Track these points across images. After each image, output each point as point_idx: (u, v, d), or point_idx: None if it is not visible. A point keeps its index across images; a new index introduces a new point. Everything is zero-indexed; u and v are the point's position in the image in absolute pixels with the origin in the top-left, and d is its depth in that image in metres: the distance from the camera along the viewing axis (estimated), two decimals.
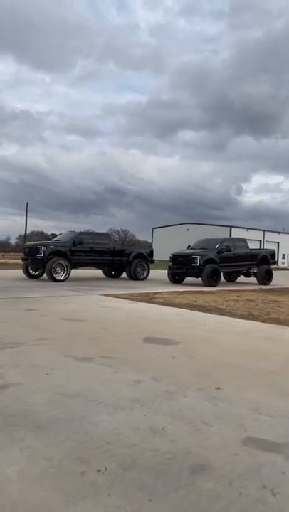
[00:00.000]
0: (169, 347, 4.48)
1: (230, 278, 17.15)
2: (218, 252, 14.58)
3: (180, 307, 7.94)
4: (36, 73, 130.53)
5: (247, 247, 16.23)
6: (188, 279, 15.18)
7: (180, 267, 14.49)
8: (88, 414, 2.50)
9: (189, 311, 7.48)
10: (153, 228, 65.87)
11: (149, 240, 67.52)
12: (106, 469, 1.87)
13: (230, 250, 14.98)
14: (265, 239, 57.91)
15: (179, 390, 3.02)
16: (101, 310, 7.27)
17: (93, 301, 8.57)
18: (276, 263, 17.90)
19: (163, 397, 2.86)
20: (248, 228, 56.37)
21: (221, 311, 7.50)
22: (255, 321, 6.64)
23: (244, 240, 16.59)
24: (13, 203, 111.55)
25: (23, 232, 56.92)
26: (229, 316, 6.97)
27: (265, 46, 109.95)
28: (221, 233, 50.21)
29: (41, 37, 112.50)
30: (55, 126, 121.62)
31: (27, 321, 5.78)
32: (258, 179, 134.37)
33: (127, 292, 10.54)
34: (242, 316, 6.99)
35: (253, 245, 53.07)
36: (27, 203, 53.33)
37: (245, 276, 16.38)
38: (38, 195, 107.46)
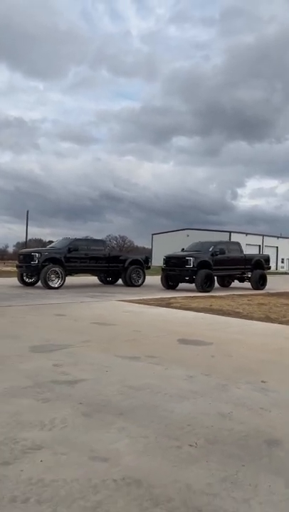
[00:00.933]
0: (203, 347, 4.84)
1: (225, 283, 16.80)
2: (212, 255, 14.37)
3: (199, 311, 8.29)
4: (29, 81, 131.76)
5: (241, 250, 16.09)
6: (181, 285, 14.80)
7: (173, 269, 14.24)
8: (160, 403, 2.86)
9: (209, 314, 7.84)
10: (152, 234, 66.31)
11: (148, 246, 68.03)
12: (196, 444, 2.23)
13: (224, 253, 14.74)
14: (264, 244, 58.43)
15: (229, 383, 3.38)
16: (125, 315, 7.62)
17: (114, 307, 8.92)
18: (270, 268, 17.41)
19: (218, 389, 3.22)
20: (247, 233, 56.94)
21: (239, 315, 7.86)
22: (274, 323, 7.01)
23: (238, 244, 16.46)
24: (8, 211, 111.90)
25: (20, 240, 57.21)
26: (248, 319, 7.34)
27: (257, 52, 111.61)
28: (221, 238, 50.60)
29: (34, 45, 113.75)
30: (49, 133, 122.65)
31: (63, 326, 6.13)
32: (253, 184, 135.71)
33: (140, 298, 10.89)
34: (260, 319, 7.36)
35: (252, 250, 53.60)
36: (27, 211, 53.60)
37: (240, 281, 16.12)
38: (34, 202, 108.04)
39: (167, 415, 2.63)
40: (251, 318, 7.51)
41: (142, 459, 2.05)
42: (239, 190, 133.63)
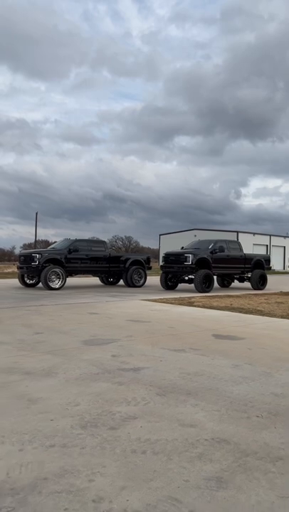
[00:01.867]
0: (238, 341, 5.29)
1: (224, 283, 16.74)
2: (212, 253, 14.19)
3: (222, 310, 8.74)
4: (31, 82, 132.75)
5: (241, 249, 15.90)
6: (180, 286, 14.81)
7: (172, 266, 14.13)
8: (218, 386, 3.32)
9: (233, 313, 8.28)
10: (160, 235, 66.70)
11: (153, 247, 68.50)
12: (262, 415, 2.68)
13: (223, 251, 14.56)
14: (272, 243, 58.64)
15: (272, 371, 3.83)
16: (154, 313, 8.08)
17: (140, 306, 9.39)
18: (270, 268, 17.12)
19: (264, 375, 3.67)
20: (254, 233, 57.20)
21: (261, 313, 8.30)
22: None
23: (238, 243, 16.22)
24: (11, 212, 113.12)
25: (26, 242, 57.86)
26: (271, 317, 7.77)
27: (258, 51, 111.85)
28: (228, 238, 51.04)
29: (35, 46, 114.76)
30: (51, 134, 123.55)
31: (102, 323, 6.60)
32: (256, 183, 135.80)
33: (160, 297, 11.35)
34: (282, 316, 7.79)
35: (259, 250, 53.78)
36: (36, 213, 54.27)
37: (239, 281, 16.04)
38: (37, 203, 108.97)
39: (229, 395, 3.09)
40: (274, 315, 7.94)
41: (222, 426, 2.50)
42: (243, 190, 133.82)
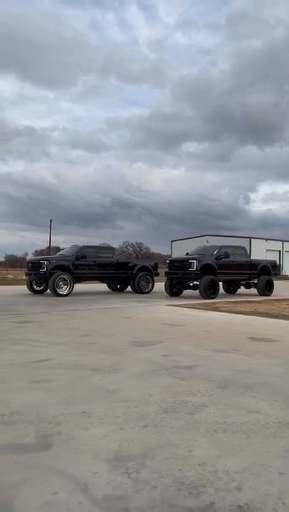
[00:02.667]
0: (274, 343, 5.64)
1: (230, 289, 16.63)
2: (217, 258, 14.05)
3: (248, 314, 9.08)
4: (39, 90, 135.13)
5: (247, 255, 15.88)
6: (185, 292, 14.68)
7: (176, 272, 14.04)
8: (269, 381, 3.68)
9: (260, 317, 8.61)
10: (172, 241, 67.09)
11: (163, 253, 68.82)
12: None
13: (228, 257, 14.35)
14: (284, 249, 58.56)
15: None
16: (185, 317, 8.46)
17: (167, 311, 9.77)
18: (277, 274, 16.83)
19: None
20: (267, 239, 57.22)
21: (287, 317, 8.61)
22: None
23: (244, 248, 16.03)
24: (21, 219, 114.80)
25: (37, 248, 58.62)
26: None
27: (264, 56, 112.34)
28: (241, 244, 51.26)
29: (42, 55, 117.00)
30: (59, 141, 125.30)
31: (140, 326, 7.01)
32: (265, 188, 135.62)
33: (185, 303, 11.71)
34: None
35: (272, 256, 53.65)
36: (50, 220, 55.12)
37: (246, 287, 15.90)
38: (46, 210, 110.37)
39: (282, 389, 3.46)
40: None
41: (284, 413, 2.88)
42: (252, 195, 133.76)
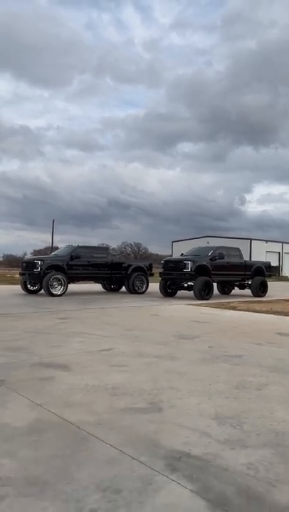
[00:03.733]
0: None
1: (225, 290, 16.73)
2: (211, 260, 14.13)
3: (266, 313, 9.73)
4: (34, 90, 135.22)
5: (241, 256, 15.92)
6: (180, 293, 14.78)
7: (170, 273, 14.10)
8: None
9: (278, 316, 9.27)
10: (172, 242, 67.80)
11: (161, 253, 69.49)
12: None
13: (223, 258, 14.43)
14: (284, 250, 59.37)
15: None
16: (207, 316, 9.10)
17: (188, 309, 10.41)
18: (271, 275, 16.85)
19: None
20: (267, 240, 58.03)
21: None
22: None
23: (238, 250, 16.04)
24: (17, 218, 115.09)
25: (36, 248, 59.06)
26: None
27: (259, 57, 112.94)
28: (241, 245, 52.12)
29: (38, 54, 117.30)
30: (54, 140, 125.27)
31: (171, 323, 7.64)
32: (261, 189, 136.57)
33: (200, 302, 12.35)
34: None
35: (272, 257, 54.20)
36: (53, 220, 55.50)
37: (240, 288, 16.00)
38: (42, 209, 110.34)
39: None
40: None
41: None
42: (247, 196, 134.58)
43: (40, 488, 1.85)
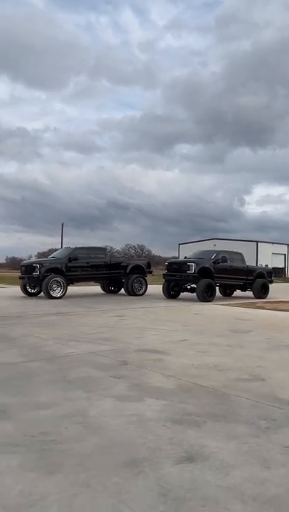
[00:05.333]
0: None
1: (227, 292, 16.95)
2: (214, 263, 14.44)
3: None
4: (31, 91, 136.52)
5: (244, 261, 16.17)
6: (182, 295, 14.94)
7: (174, 274, 14.33)
8: None
9: None
10: (179, 244, 68.84)
11: (163, 255, 70.49)
12: None
13: (226, 262, 14.74)
14: None
15: None
16: (244, 314, 10.08)
17: (222, 309, 11.40)
18: (272, 282, 16.98)
19: None
20: (273, 243, 58.97)
21: None
22: None
23: (241, 255, 16.28)
24: (17, 220, 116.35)
25: (40, 250, 60.00)
26: None
27: (255, 58, 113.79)
28: (248, 248, 53.23)
29: (34, 56, 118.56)
30: (52, 142, 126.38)
31: (218, 320, 8.64)
32: (260, 191, 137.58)
33: (224, 303, 13.35)
34: None
35: (278, 259, 54.86)
36: (62, 224, 56.56)
37: (242, 290, 16.16)
38: (41, 211, 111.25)
39: None
40: None
41: None
42: (246, 198, 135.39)
43: (221, 417, 2.85)
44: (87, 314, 9.25)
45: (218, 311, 10.79)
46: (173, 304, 12.49)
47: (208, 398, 3.29)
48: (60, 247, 59.18)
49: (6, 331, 6.54)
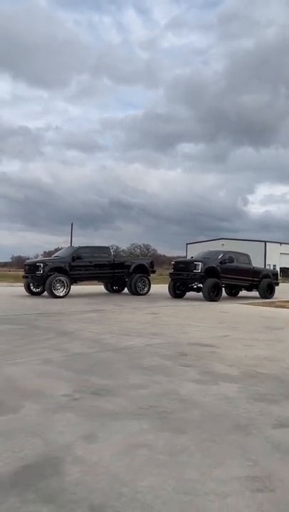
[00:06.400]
0: None
1: (232, 292, 17.13)
2: (221, 263, 14.58)
3: None
4: (33, 90, 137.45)
5: (250, 262, 16.26)
6: (189, 294, 15.17)
7: (180, 274, 14.46)
8: None
9: None
10: (187, 244, 69.29)
11: (168, 254, 70.96)
12: None
13: (232, 262, 14.88)
14: None
15: None
16: (269, 313, 10.59)
17: (246, 308, 11.92)
18: (278, 284, 17.32)
19: None
20: (281, 243, 59.26)
21: None
22: None
23: (247, 256, 16.36)
24: (20, 219, 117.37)
25: (45, 249, 60.60)
26: None
27: (257, 56, 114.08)
28: (256, 248, 53.65)
29: (36, 55, 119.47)
30: (54, 141, 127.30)
31: (246, 318, 9.17)
32: (263, 190, 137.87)
33: (245, 302, 13.86)
34: None
35: (286, 259, 55.02)
36: (72, 224, 57.06)
37: (247, 290, 16.34)
38: (44, 210, 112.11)
39: None
40: None
41: None
42: (250, 197, 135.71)
43: None
44: (121, 312, 9.81)
45: (242, 309, 11.30)
46: (195, 303, 13.02)
47: (273, 383, 3.82)
48: (41, 244, 59.56)
49: (59, 326, 7.10)
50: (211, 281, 13.80)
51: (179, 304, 12.45)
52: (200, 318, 8.77)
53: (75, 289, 15.93)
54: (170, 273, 15.05)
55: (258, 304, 12.94)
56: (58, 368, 4.16)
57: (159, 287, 18.07)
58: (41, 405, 3.00)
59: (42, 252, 75.81)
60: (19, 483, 1.91)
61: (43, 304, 11.47)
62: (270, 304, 13.01)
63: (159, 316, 9.06)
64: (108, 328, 7.05)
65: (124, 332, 6.61)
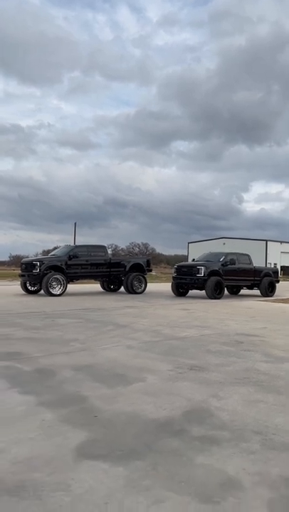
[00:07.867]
0: None
1: (234, 290, 17.47)
2: (223, 265, 14.86)
3: None
4: (25, 88, 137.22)
5: (251, 262, 16.55)
6: (192, 292, 15.53)
7: (184, 278, 14.76)
8: None
9: None
10: (188, 243, 70.14)
11: (165, 253, 71.73)
12: None
13: (234, 264, 15.20)
14: None
15: None
16: (287, 308, 11.42)
17: (263, 304, 12.74)
18: (278, 281, 17.69)
19: None
20: (281, 242, 60.24)
21: None
22: None
23: (248, 256, 16.64)
24: (14, 218, 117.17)
25: (45, 248, 60.84)
26: None
27: (249, 53, 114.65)
28: (257, 247, 54.64)
29: (26, 52, 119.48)
30: (47, 139, 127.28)
31: (271, 313, 9.98)
32: (258, 188, 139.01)
33: (261, 298, 14.68)
34: None
35: (286, 257, 55.96)
36: (75, 223, 57.65)
37: (249, 288, 16.68)
38: (39, 209, 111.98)
39: None
40: None
41: None
42: (244, 195, 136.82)
43: None
44: (153, 307, 10.58)
45: (263, 305, 12.13)
46: (203, 301, 13.84)
47: None
48: (34, 243, 60.00)
49: (111, 320, 7.87)
50: (213, 279, 14.21)
51: (190, 301, 13.25)
52: (230, 314, 9.57)
53: (73, 287, 16.09)
54: (173, 277, 15.42)
55: (276, 301, 13.77)
56: (144, 352, 4.94)
57: (161, 285, 18.67)
58: (159, 376, 3.79)
59: (41, 251, 75.93)
60: (191, 421, 2.70)
61: (69, 301, 12.23)
62: (285, 301, 13.84)
63: (191, 311, 9.85)
64: (154, 321, 7.82)
65: (172, 325, 7.39)
